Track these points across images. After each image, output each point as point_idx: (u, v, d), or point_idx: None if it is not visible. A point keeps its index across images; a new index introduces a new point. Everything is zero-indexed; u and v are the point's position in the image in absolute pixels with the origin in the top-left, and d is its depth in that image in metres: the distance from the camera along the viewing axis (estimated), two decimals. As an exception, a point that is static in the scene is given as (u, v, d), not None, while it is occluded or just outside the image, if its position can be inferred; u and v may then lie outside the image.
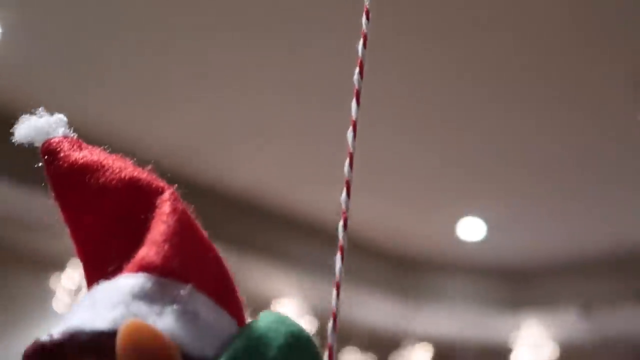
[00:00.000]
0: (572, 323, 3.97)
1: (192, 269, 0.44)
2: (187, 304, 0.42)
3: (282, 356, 0.42)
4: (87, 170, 0.46)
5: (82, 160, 0.46)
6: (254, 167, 3.51)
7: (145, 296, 0.41)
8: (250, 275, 3.78)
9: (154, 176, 0.47)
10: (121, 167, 0.47)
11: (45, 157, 0.47)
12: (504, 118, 2.65)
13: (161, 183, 0.47)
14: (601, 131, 2.70)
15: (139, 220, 0.45)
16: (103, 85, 2.87)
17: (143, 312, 0.40)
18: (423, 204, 3.58)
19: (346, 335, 4.44)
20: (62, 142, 0.47)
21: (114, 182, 0.46)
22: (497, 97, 2.66)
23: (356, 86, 0.50)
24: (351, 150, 0.48)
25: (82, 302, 0.41)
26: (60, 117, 0.49)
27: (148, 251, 0.42)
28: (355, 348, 4.56)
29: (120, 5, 2.40)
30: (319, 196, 3.41)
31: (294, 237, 3.94)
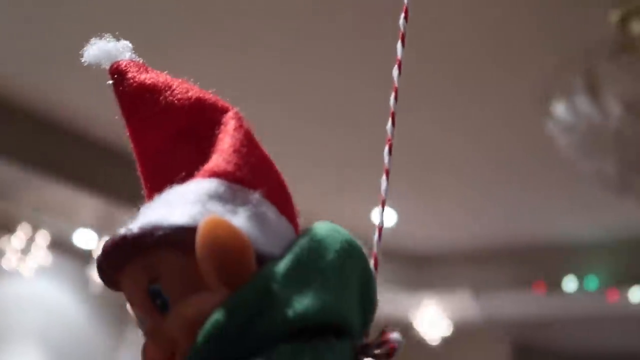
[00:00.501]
0: (464, 304, 4.15)
1: (258, 178, 0.45)
2: (256, 207, 0.43)
3: (339, 258, 0.43)
4: (155, 89, 0.46)
5: (149, 81, 0.47)
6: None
7: (219, 197, 0.42)
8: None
9: (217, 97, 0.47)
10: (188, 88, 0.47)
11: (114, 77, 0.47)
12: (415, 118, 2.74)
13: (225, 103, 0.47)
14: (507, 136, 2.78)
15: (204, 135, 0.46)
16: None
17: (219, 211, 0.41)
18: (342, 193, 3.66)
19: None
20: (130, 64, 0.47)
21: (181, 100, 0.46)
22: (411, 98, 2.73)
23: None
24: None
25: (155, 204, 0.43)
26: (126, 43, 0.49)
27: (219, 160, 0.44)
28: None
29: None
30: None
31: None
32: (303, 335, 0.39)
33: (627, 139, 1.91)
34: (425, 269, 4.24)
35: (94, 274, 3.54)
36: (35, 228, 3.44)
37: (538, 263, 3.90)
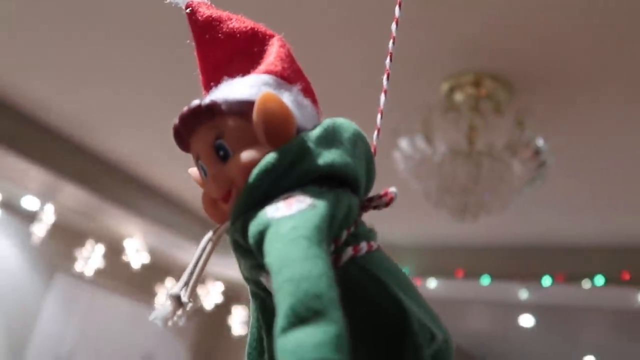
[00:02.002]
0: None
1: (296, 79, 0.45)
2: (297, 95, 0.44)
3: (353, 137, 0.42)
4: (220, 19, 0.46)
5: (216, 14, 0.46)
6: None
7: (270, 85, 0.43)
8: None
9: (265, 27, 0.47)
10: (245, 19, 0.47)
11: (189, 12, 0.46)
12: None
13: (272, 31, 0.47)
14: None
15: (255, 53, 0.46)
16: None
17: (272, 91, 0.41)
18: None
19: (166, 271, 4.43)
20: (201, 3, 0.47)
21: (240, 27, 0.46)
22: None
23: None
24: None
25: (222, 87, 0.44)
26: None
27: (270, 63, 0.44)
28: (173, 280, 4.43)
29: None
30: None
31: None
32: (327, 183, 0.39)
33: (445, 170, 1.98)
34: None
35: (35, 230, 3.41)
36: (-9, 189, 3.28)
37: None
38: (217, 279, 4.26)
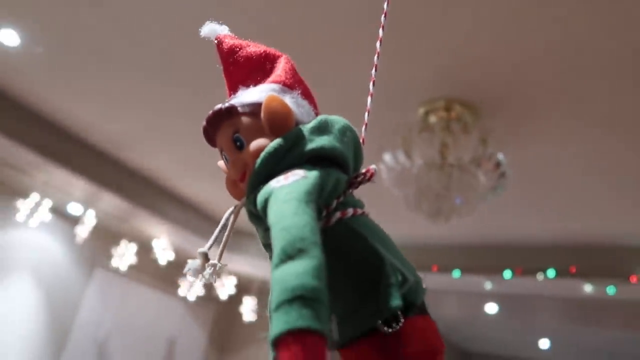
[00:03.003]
0: None
1: (297, 85, 0.47)
2: (296, 98, 0.46)
3: (342, 128, 0.44)
4: (241, 46, 0.49)
5: (237, 42, 0.49)
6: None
7: (276, 90, 0.46)
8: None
9: (275, 50, 0.50)
10: (259, 45, 0.49)
11: (217, 42, 0.49)
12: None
13: (280, 52, 0.50)
14: None
15: (268, 68, 0.48)
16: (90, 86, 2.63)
17: (276, 94, 0.44)
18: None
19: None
20: (226, 35, 0.50)
21: (255, 51, 0.49)
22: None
23: None
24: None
25: (239, 94, 0.47)
26: (224, 27, 0.51)
27: (277, 75, 0.47)
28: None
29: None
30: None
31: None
32: (320, 163, 0.41)
33: (421, 180, 2.00)
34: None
35: (78, 231, 3.41)
36: (43, 196, 3.25)
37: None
38: (231, 273, 4.24)
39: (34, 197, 3.25)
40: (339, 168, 0.42)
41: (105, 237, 3.83)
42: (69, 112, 2.78)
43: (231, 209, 0.45)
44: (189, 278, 0.43)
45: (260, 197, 0.39)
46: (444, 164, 1.96)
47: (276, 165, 0.41)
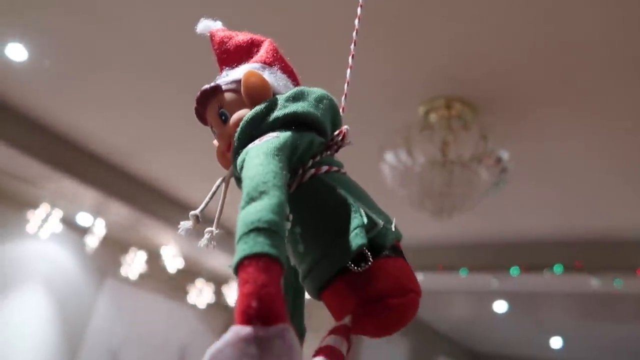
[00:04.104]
0: None
1: (277, 62, 0.49)
2: (275, 73, 0.48)
3: (319, 97, 0.46)
4: (230, 36, 0.52)
5: (227, 33, 0.52)
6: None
7: (256, 68, 0.48)
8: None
9: (261, 36, 0.52)
10: (247, 33, 0.52)
11: (211, 36, 0.53)
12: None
13: (264, 38, 0.52)
14: (357, 171, 2.91)
15: (254, 52, 0.51)
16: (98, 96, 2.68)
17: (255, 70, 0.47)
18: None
19: (197, 274, 4.43)
20: (218, 29, 0.53)
21: (243, 39, 0.52)
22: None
23: None
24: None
25: (223, 74, 0.50)
26: (218, 22, 0.54)
27: (259, 55, 0.50)
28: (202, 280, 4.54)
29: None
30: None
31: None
32: (297, 127, 0.43)
33: (424, 178, 2.03)
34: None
35: (88, 241, 3.45)
36: (52, 207, 3.30)
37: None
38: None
39: (44, 207, 3.29)
40: (316, 133, 0.44)
41: (115, 246, 3.87)
42: (76, 123, 2.82)
43: (221, 178, 0.47)
44: (181, 233, 0.45)
45: (239, 160, 0.41)
46: (445, 161, 1.97)
47: (254, 131, 0.43)
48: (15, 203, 3.41)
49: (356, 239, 0.36)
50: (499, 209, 2.86)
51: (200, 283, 4.24)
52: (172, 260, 3.86)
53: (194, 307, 4.37)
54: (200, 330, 4.60)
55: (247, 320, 0.27)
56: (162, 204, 3.45)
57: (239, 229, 0.31)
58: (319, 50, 1.91)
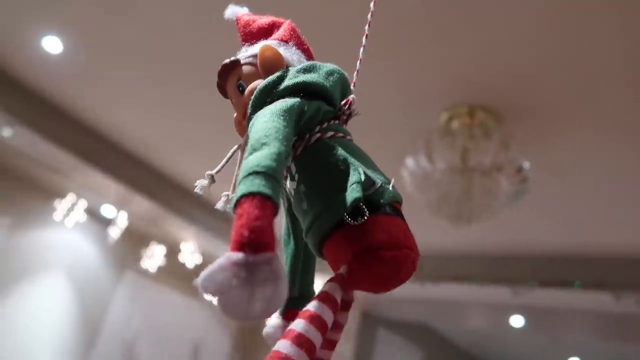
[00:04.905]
0: None
1: (294, 41, 0.52)
2: (290, 48, 0.51)
3: (330, 70, 0.47)
4: (254, 19, 0.55)
5: (251, 17, 0.55)
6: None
7: (273, 44, 0.51)
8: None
9: (282, 18, 0.55)
10: (270, 16, 0.55)
11: (237, 20, 0.55)
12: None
13: (285, 19, 0.55)
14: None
15: (274, 32, 0.53)
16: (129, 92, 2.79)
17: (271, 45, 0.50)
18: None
19: None
20: (243, 14, 0.55)
21: (265, 21, 0.54)
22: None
23: None
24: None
25: (242, 51, 0.53)
26: (245, 8, 0.57)
27: (277, 34, 0.53)
28: None
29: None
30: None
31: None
32: (307, 97, 0.45)
33: (443, 184, 2.02)
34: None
35: (111, 232, 3.53)
36: (78, 197, 3.39)
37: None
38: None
39: (71, 197, 3.38)
40: (325, 102, 0.46)
41: (136, 239, 3.94)
42: (105, 116, 2.90)
43: (237, 145, 0.50)
44: (198, 191, 0.47)
45: (250, 123, 0.43)
46: (465, 168, 1.97)
47: (266, 98, 0.45)
48: (44, 192, 3.51)
49: (352, 193, 0.38)
50: (520, 220, 2.82)
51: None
52: (191, 257, 3.91)
53: (210, 304, 4.42)
54: (214, 327, 4.65)
55: (239, 247, 0.30)
56: (185, 201, 3.51)
57: (240, 175, 0.34)
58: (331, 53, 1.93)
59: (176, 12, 1.96)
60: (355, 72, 0.52)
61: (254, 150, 0.36)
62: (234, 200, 0.33)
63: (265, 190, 0.33)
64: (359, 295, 3.96)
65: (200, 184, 0.48)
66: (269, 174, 0.34)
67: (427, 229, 3.04)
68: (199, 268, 4.06)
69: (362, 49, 0.53)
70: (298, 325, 0.35)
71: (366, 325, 4.35)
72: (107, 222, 3.71)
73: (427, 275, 3.44)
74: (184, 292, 4.48)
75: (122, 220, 3.57)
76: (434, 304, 3.98)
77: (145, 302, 4.24)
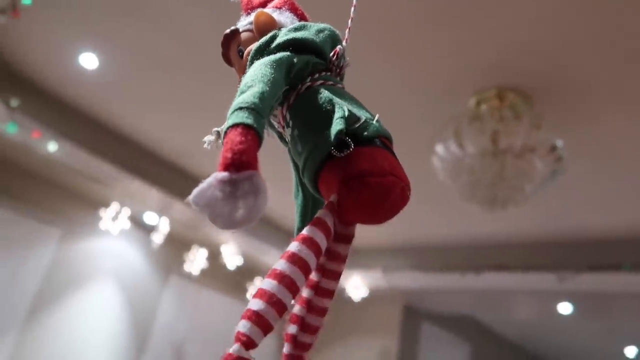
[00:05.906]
0: (376, 278, 3.86)
1: (287, 6, 0.55)
2: (283, 12, 0.54)
3: (320, 28, 0.50)
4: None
5: None
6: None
7: (267, 11, 0.54)
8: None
9: None
10: None
11: (242, 1, 0.58)
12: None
13: None
14: (410, 162, 2.85)
15: (271, 4, 0.56)
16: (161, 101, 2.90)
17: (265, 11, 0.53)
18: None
19: (255, 272, 4.57)
20: None
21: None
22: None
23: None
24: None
25: (241, 20, 0.56)
26: None
27: (273, 2, 0.55)
28: None
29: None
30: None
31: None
32: (299, 52, 0.47)
33: (475, 169, 2.01)
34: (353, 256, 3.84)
35: (154, 238, 3.65)
36: (122, 206, 3.53)
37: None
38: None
39: (115, 206, 3.52)
40: (315, 56, 0.48)
41: (178, 244, 4.05)
42: (142, 126, 3.02)
43: None
44: (206, 146, 0.49)
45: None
46: (497, 150, 1.96)
47: (260, 56, 0.47)
48: (89, 202, 3.66)
49: (336, 126, 0.41)
50: (562, 203, 2.77)
51: (258, 281, 4.36)
52: (232, 258, 4.00)
53: (252, 304, 4.48)
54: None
55: (224, 167, 0.35)
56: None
57: (228, 112, 0.39)
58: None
59: (207, 24, 2.03)
60: (347, 30, 0.55)
61: (242, 93, 0.40)
62: (222, 134, 0.38)
63: (248, 120, 0.37)
64: (400, 287, 3.93)
65: (207, 139, 0.51)
66: (251, 108, 0.38)
67: (464, 218, 3.07)
68: (240, 269, 4.15)
69: (352, 8, 0.55)
70: (291, 246, 0.38)
71: (409, 319, 4.32)
72: (150, 229, 3.84)
73: (468, 265, 3.41)
74: (227, 293, 4.57)
75: (164, 226, 3.68)
76: (477, 295, 3.91)
77: (190, 304, 4.35)
